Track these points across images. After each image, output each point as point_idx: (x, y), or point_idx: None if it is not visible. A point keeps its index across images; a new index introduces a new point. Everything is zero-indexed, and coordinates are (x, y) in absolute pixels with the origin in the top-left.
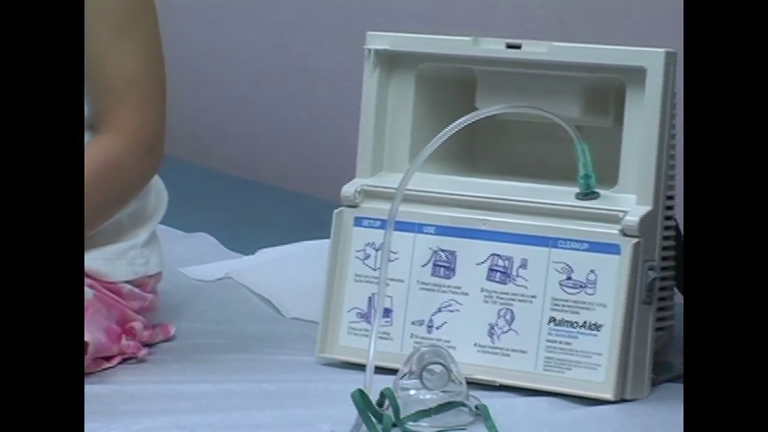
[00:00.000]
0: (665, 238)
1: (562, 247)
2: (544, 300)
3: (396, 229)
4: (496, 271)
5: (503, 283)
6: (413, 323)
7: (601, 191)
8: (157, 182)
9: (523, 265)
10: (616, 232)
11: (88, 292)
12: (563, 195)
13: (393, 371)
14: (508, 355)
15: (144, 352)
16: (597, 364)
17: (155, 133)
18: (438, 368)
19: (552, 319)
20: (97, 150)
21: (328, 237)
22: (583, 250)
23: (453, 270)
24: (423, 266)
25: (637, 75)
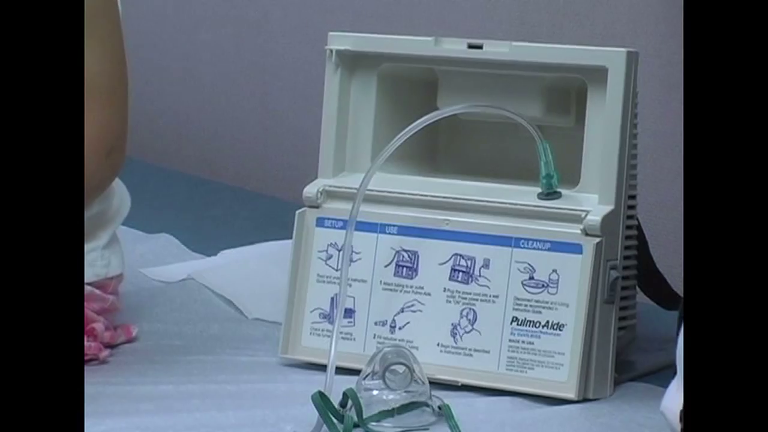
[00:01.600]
0: (627, 237)
1: (524, 247)
2: (506, 300)
3: (358, 230)
4: (459, 271)
5: (466, 283)
6: (376, 323)
7: (563, 191)
8: (119, 185)
9: (486, 264)
10: (578, 231)
11: None
12: (525, 195)
13: (356, 372)
14: (470, 355)
15: (105, 353)
16: (560, 364)
17: (116, 135)
18: (401, 368)
19: (515, 319)
20: None
21: (290, 238)
22: (546, 250)
23: (415, 270)
24: (386, 266)
25: (598, 75)
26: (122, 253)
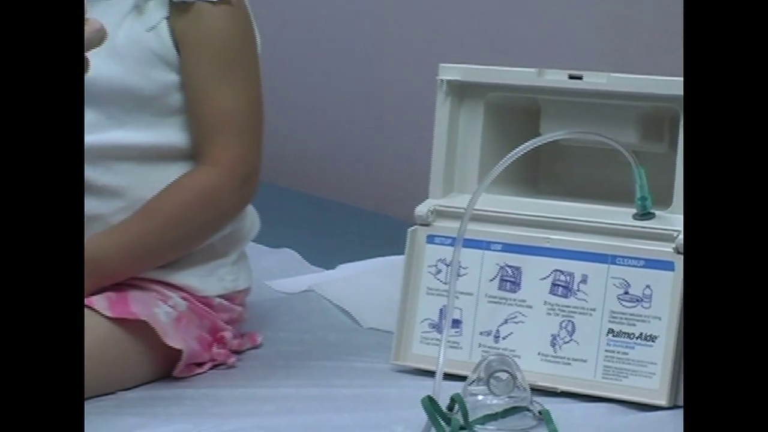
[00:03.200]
0: None
1: (620, 264)
2: (603, 313)
3: (465, 246)
4: (559, 285)
5: (565, 296)
6: (481, 333)
7: (657, 212)
8: (250, 208)
9: (584, 280)
10: (671, 250)
11: (182, 304)
12: (621, 215)
13: (462, 378)
14: (569, 363)
15: (233, 359)
16: (652, 373)
17: (251, 166)
18: (504, 375)
19: (610, 331)
20: (196, 180)
21: (402, 253)
22: (640, 267)
23: (518, 284)
24: (490, 281)
25: None
26: (249, 268)
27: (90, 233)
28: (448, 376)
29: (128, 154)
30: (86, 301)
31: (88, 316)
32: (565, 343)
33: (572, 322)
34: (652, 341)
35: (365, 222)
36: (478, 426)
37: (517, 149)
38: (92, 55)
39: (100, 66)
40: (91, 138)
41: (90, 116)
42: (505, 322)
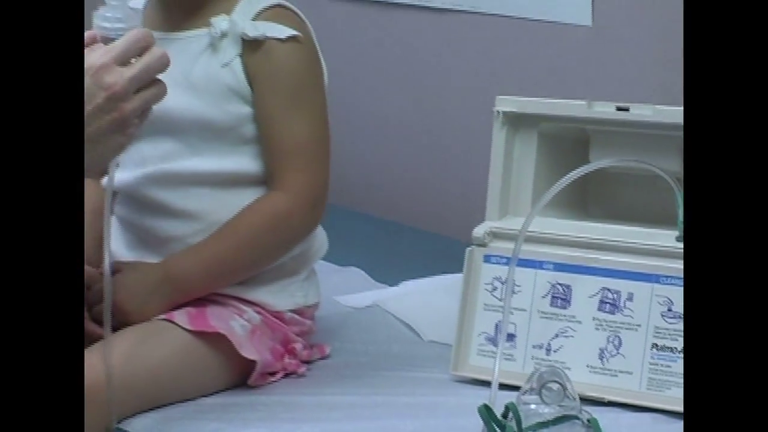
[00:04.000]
0: None
1: (664, 283)
2: (647, 328)
3: (519, 266)
4: (606, 302)
5: (612, 313)
6: (534, 347)
7: None
8: (319, 229)
9: (630, 298)
10: None
11: (256, 318)
12: (665, 237)
13: (516, 388)
14: (616, 375)
15: (303, 368)
16: None
17: (319, 190)
18: (555, 386)
19: (654, 345)
20: (269, 205)
21: (461, 272)
22: (682, 286)
23: (568, 301)
24: (543, 297)
25: None
26: (318, 285)
27: (170, 253)
28: (503, 386)
29: (205, 180)
30: (167, 315)
31: (170, 330)
32: (612, 356)
33: (619, 337)
34: None
35: (426, 242)
36: None
37: (568, 176)
38: (171, 89)
39: (179, 99)
40: (170, 165)
41: (169, 145)
42: (556, 336)
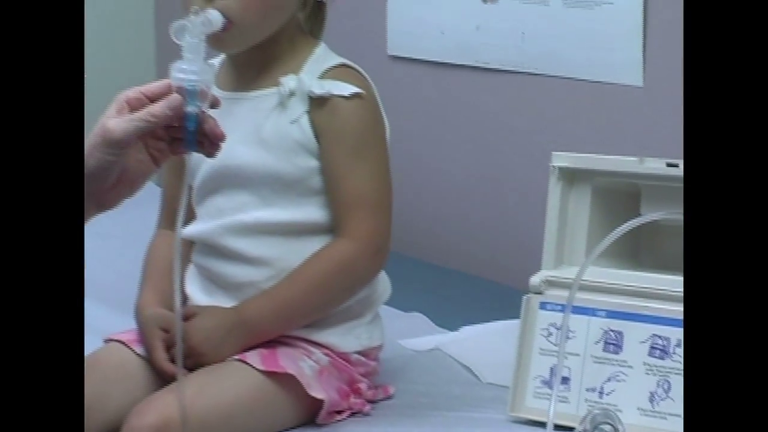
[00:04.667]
0: None
1: None
2: None
3: (574, 313)
4: (656, 348)
5: (662, 358)
6: (587, 390)
7: None
8: (382, 275)
9: (679, 344)
10: None
11: (324, 359)
12: None
13: (570, 429)
14: (665, 418)
15: (368, 407)
16: None
17: (382, 238)
18: (607, 428)
19: None
20: (335, 252)
21: (518, 318)
22: None
23: (620, 347)
24: (596, 343)
25: None
26: (382, 328)
27: (243, 297)
28: (558, 427)
29: (276, 229)
30: (240, 356)
31: (242, 369)
32: (662, 399)
33: (668, 381)
34: None
35: (485, 289)
36: None
37: (620, 228)
38: (243, 145)
39: (251, 154)
40: (244, 216)
41: (243, 197)
42: (609, 380)
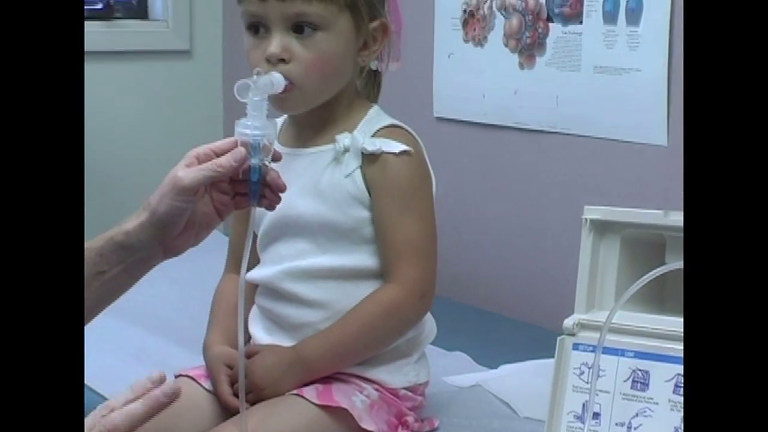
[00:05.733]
0: None
1: None
2: None
3: (604, 353)
4: (681, 386)
5: None
6: (616, 424)
7: None
8: (428, 317)
9: None
10: None
11: (374, 394)
12: None
13: None
14: None
15: None
16: None
17: (427, 284)
18: None
19: None
20: (384, 296)
21: (552, 357)
22: None
23: (647, 385)
24: (624, 381)
25: None
26: (428, 366)
27: (301, 337)
28: None
29: (331, 274)
30: (298, 391)
31: (300, 403)
32: None
33: None
34: None
35: (522, 331)
36: None
37: (647, 275)
38: (302, 197)
39: (308, 205)
40: (302, 262)
41: (302, 244)
42: (636, 415)
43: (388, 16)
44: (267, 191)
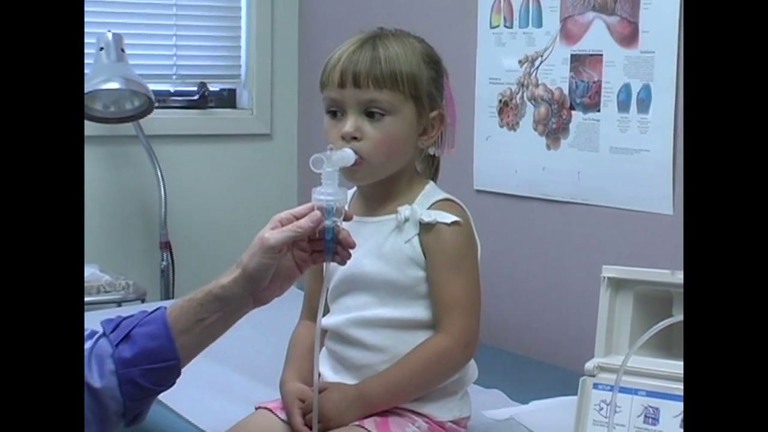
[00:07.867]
0: None
1: None
2: None
3: (620, 392)
4: None
5: None
6: None
7: None
8: (472, 361)
9: None
10: None
11: (424, 426)
12: None
13: None
14: None
15: None
16: None
17: (472, 334)
18: None
19: None
20: (435, 344)
21: (576, 395)
22: None
23: (657, 420)
24: (638, 416)
25: None
26: (470, 402)
27: (363, 377)
28: None
29: (390, 324)
30: (359, 422)
31: None
32: None
33: None
34: None
35: (550, 372)
36: None
37: (657, 325)
38: (367, 258)
39: (373, 265)
40: (366, 312)
41: (365, 298)
42: None
43: (446, 108)
44: (339, 248)
